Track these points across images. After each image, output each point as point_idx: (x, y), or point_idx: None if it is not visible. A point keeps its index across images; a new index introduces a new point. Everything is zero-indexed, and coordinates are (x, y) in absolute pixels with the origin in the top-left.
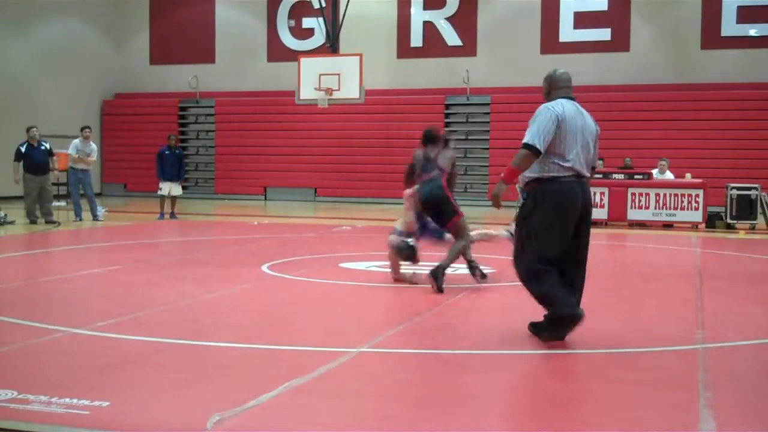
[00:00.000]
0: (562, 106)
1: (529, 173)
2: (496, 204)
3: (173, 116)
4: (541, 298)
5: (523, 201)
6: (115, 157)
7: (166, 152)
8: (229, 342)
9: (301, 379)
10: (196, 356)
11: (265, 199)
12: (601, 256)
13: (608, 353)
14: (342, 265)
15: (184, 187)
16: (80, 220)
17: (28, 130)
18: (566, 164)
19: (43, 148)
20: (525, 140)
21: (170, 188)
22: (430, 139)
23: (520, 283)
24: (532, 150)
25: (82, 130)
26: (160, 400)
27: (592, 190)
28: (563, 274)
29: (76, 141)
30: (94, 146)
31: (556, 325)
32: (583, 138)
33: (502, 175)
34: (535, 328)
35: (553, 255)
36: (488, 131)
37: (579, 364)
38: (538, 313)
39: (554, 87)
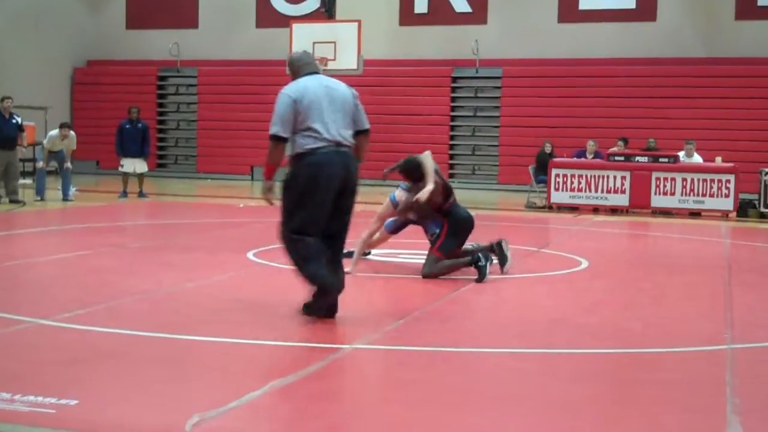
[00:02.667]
0: (297, 85)
1: (288, 152)
2: (268, 201)
3: (151, 86)
4: (297, 267)
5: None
6: (86, 131)
7: (127, 126)
8: (211, 336)
9: (288, 377)
10: (174, 351)
11: (252, 179)
12: (621, 247)
13: (628, 353)
14: None
15: (161, 165)
16: (42, 200)
17: (2, 100)
18: (317, 135)
19: (14, 121)
20: (270, 132)
21: (134, 165)
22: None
23: (525, 276)
24: (277, 140)
25: (60, 127)
26: (133, 399)
27: (613, 174)
28: (328, 247)
29: (54, 134)
30: (73, 135)
31: (317, 297)
32: (333, 106)
33: (264, 173)
34: (308, 308)
35: (309, 224)
36: (499, 107)
37: (596, 364)
38: (547, 306)
39: (296, 69)
